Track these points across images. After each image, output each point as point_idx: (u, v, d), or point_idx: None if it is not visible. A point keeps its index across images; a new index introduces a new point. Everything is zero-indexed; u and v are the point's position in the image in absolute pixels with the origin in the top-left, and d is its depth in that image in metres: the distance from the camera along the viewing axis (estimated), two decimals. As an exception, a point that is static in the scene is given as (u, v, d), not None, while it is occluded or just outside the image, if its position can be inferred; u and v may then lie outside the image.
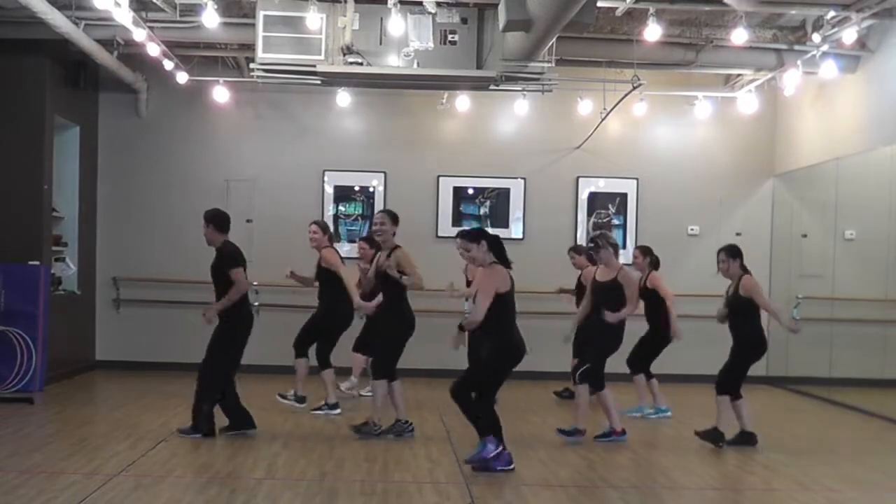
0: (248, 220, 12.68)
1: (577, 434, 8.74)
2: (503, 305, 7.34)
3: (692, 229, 13.42)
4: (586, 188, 13.48)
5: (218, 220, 8.56)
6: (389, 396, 8.66)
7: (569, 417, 9.34)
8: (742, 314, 8.63)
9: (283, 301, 12.01)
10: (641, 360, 10.19)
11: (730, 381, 8.65)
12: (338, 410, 9.72)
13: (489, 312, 7.28)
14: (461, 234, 7.65)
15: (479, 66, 9.89)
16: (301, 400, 9.82)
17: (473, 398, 7.39)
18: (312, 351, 9.80)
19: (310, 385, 9.94)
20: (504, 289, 7.35)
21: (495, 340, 7.38)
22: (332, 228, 12.88)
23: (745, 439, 8.65)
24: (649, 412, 10.15)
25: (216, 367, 8.45)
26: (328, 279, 9.64)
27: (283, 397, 9.87)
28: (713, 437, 8.61)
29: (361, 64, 9.70)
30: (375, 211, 12.99)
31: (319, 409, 9.74)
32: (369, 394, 10.69)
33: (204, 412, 8.38)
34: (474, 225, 13.10)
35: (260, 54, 9.79)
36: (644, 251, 10.31)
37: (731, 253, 8.73)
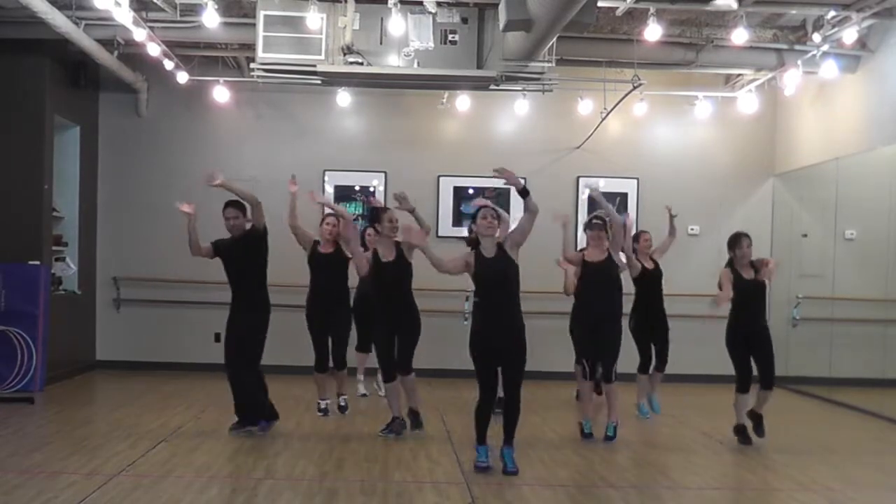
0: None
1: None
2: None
3: (692, 229, 13.41)
4: (586, 188, 13.46)
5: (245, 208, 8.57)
6: (397, 392, 8.70)
7: (571, 417, 9.36)
8: (763, 299, 8.59)
9: (283, 301, 11.96)
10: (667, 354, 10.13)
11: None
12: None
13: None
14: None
15: (479, 66, 9.89)
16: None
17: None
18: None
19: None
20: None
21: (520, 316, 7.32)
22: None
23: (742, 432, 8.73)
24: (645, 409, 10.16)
25: (258, 357, 8.52)
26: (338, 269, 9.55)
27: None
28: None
29: (362, 64, 9.71)
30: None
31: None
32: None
33: (263, 401, 8.55)
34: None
35: (260, 54, 9.80)
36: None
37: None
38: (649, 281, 9.88)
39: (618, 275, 8.72)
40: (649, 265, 9.95)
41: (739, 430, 8.73)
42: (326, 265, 9.36)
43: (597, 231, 8.70)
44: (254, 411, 8.56)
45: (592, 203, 13.43)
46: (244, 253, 8.46)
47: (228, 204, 8.50)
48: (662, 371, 10.10)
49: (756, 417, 8.68)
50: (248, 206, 8.46)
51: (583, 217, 13.28)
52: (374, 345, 9.01)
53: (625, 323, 9.08)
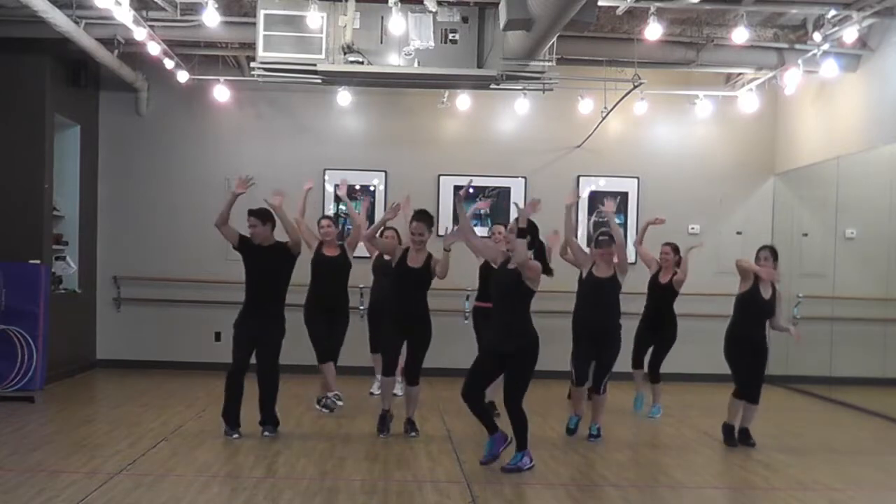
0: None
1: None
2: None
3: (693, 228, 13.40)
4: (587, 187, 13.47)
5: (273, 220, 8.59)
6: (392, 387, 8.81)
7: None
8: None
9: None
10: (658, 364, 10.13)
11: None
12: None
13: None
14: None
15: (479, 65, 9.89)
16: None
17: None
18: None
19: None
20: None
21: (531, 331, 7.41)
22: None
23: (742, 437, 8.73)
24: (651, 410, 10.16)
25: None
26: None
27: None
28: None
29: (362, 63, 9.70)
30: (376, 209, 13.03)
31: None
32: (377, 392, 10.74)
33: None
34: (475, 224, 13.13)
35: (261, 53, 9.79)
36: (675, 248, 10.14)
37: (775, 254, 8.72)
38: (660, 294, 9.98)
39: (618, 292, 8.72)
40: (664, 279, 10.03)
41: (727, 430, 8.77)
42: (330, 268, 9.57)
43: (606, 248, 8.70)
44: (271, 412, 8.66)
45: (593, 202, 13.45)
46: (270, 263, 8.54)
47: (251, 213, 8.56)
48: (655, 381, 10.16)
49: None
50: (281, 223, 8.57)
51: (583, 215, 13.30)
52: (383, 341, 8.95)
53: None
